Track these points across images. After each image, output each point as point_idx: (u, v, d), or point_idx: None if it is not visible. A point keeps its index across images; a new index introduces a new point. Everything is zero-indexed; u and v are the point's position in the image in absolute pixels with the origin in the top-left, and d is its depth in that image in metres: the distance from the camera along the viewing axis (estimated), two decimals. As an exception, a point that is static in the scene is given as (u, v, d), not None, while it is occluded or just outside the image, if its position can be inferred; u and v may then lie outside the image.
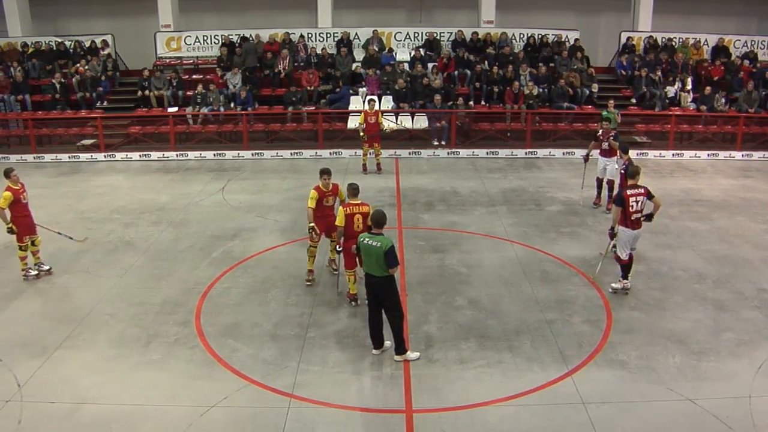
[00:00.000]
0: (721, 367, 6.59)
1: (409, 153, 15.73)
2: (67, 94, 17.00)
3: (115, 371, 6.58)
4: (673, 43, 18.43)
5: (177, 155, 15.75)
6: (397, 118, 16.02)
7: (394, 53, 18.06)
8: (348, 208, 7.55)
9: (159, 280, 8.72)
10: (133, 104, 16.86)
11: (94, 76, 17.21)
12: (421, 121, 16.36)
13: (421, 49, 17.77)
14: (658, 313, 7.72)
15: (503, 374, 6.49)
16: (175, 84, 16.89)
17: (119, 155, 15.82)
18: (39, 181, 13.63)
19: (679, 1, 19.40)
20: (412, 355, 6.71)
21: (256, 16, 19.53)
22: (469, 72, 17.17)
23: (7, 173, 8.59)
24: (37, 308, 8.02)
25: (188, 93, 16.77)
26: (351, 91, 16.82)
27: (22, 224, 8.59)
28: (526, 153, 15.75)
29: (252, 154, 15.76)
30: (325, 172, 8.26)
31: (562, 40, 18.22)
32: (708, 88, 16.40)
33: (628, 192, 7.95)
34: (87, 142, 16.27)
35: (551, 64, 17.48)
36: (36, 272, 8.80)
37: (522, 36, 18.55)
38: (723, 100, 16.19)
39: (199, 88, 16.32)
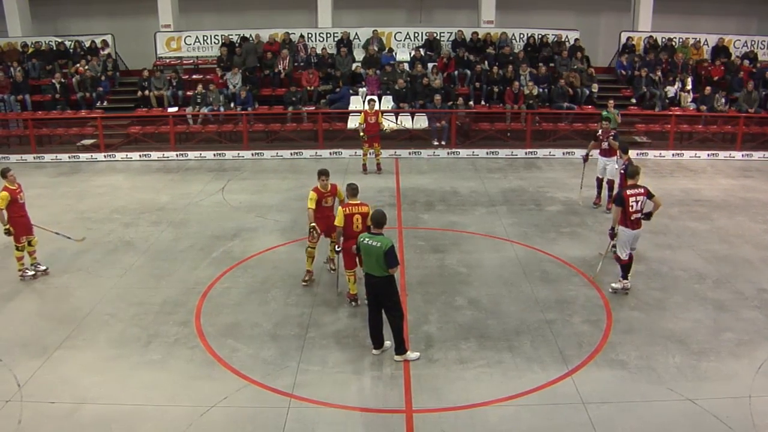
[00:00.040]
0: (721, 367, 6.59)
1: (409, 153, 15.73)
2: (67, 94, 17.00)
3: (115, 371, 6.57)
4: (673, 43, 18.43)
5: (177, 155, 15.75)
6: (397, 118, 16.02)
7: (394, 53, 18.06)
8: (347, 209, 7.54)
9: (159, 280, 8.72)
10: (133, 104, 16.86)
11: (94, 76, 17.21)
12: (421, 121, 16.36)
13: (421, 49, 17.77)
14: (658, 313, 7.72)
15: (503, 374, 6.49)
16: (175, 84, 16.89)
17: (119, 155, 15.82)
18: (39, 181, 13.64)
19: (679, 1, 19.40)
20: (412, 355, 6.71)
21: (256, 16, 19.53)
22: (469, 72, 17.17)
23: (4, 173, 8.58)
24: (37, 308, 8.02)
25: (188, 93, 16.77)
26: (351, 91, 16.82)
27: (19, 224, 8.58)
28: (526, 153, 15.75)
29: (252, 154, 15.76)
30: (323, 173, 8.26)
31: (562, 40, 18.22)
32: (708, 88, 16.40)
33: (628, 192, 7.95)
34: (87, 142, 16.27)
35: (551, 64, 17.48)
36: (33, 273, 8.79)
37: (522, 36, 18.55)
38: (723, 100, 16.19)
39: (199, 88, 16.32)
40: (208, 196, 12.53)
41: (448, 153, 15.74)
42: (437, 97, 15.93)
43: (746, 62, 17.60)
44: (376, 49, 17.68)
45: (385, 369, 6.57)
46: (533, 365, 6.62)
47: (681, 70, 17.21)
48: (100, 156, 15.82)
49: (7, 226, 8.45)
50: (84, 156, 15.87)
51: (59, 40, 18.54)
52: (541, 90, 16.57)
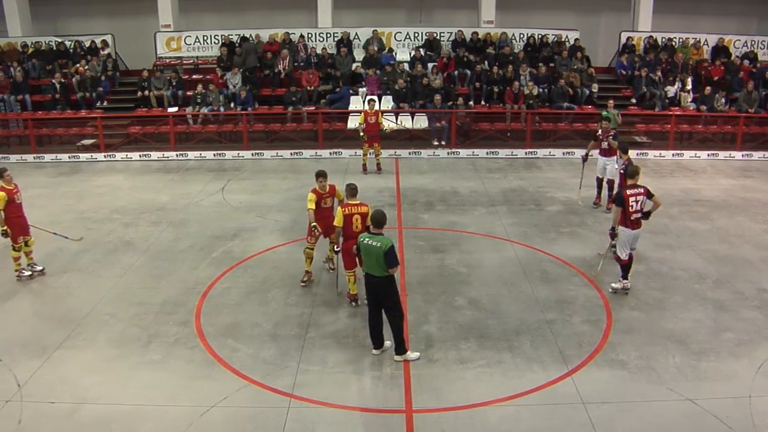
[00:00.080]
0: (721, 367, 6.59)
1: (409, 153, 15.73)
2: (67, 94, 17.00)
3: (115, 371, 6.57)
4: (673, 43, 18.43)
5: (177, 155, 15.75)
6: (397, 118, 16.01)
7: (394, 53, 18.06)
8: (347, 209, 7.54)
9: (159, 280, 8.72)
10: (133, 104, 16.86)
11: (94, 76, 17.20)
12: (421, 121, 16.35)
13: (421, 49, 17.77)
14: (658, 313, 7.72)
15: (503, 374, 6.49)
16: (175, 84, 16.89)
17: (119, 155, 15.82)
18: (39, 181, 13.65)
19: (679, 1, 19.40)
20: (412, 355, 6.71)
21: (256, 16, 19.53)
22: (469, 72, 17.17)
23: (1, 173, 8.52)
24: (36, 308, 8.03)
25: (188, 93, 16.77)
26: (351, 91, 16.82)
27: (16, 225, 8.56)
28: (526, 153, 15.75)
29: (252, 154, 15.76)
30: (321, 175, 8.25)
31: (562, 40, 18.21)
32: (708, 88, 16.40)
33: (628, 192, 7.95)
34: (87, 142, 16.27)
35: (551, 64, 17.47)
36: (29, 273, 8.78)
37: (522, 36, 18.55)
38: (723, 100, 16.19)
39: (199, 88, 16.32)
40: (208, 196, 12.53)
41: (448, 153, 15.74)
42: (437, 97, 15.93)
43: (746, 62, 17.60)
44: (376, 49, 17.68)
45: (385, 369, 6.57)
46: (533, 365, 6.62)
47: (681, 70, 17.21)
48: (100, 156, 15.82)
49: (4, 227, 8.43)
50: (84, 156, 15.87)
51: (59, 40, 18.54)
52: (541, 90, 16.57)
